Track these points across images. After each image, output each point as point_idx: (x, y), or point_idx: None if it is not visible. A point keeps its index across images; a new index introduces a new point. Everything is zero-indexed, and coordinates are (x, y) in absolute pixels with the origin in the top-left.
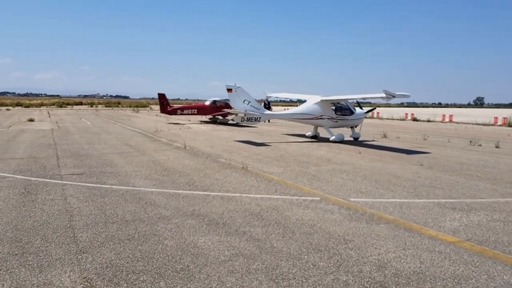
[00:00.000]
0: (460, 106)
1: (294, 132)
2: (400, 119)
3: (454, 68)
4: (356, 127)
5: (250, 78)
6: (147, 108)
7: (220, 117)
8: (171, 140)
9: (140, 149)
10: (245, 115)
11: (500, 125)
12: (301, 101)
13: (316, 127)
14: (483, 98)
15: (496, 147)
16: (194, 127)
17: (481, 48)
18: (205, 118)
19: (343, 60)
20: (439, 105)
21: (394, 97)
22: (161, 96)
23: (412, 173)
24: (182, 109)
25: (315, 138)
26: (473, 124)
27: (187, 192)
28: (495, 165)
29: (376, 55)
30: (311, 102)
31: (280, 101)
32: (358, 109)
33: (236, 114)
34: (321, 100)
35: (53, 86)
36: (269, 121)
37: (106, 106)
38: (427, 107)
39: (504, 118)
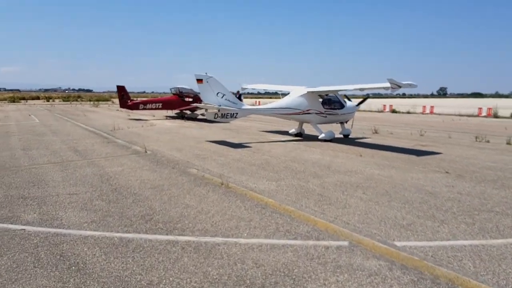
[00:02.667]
0: (425, 96)
1: (273, 129)
2: (378, 111)
3: (416, 58)
4: (346, 122)
5: (222, 71)
6: (109, 102)
7: (188, 112)
8: (130, 141)
9: (88, 156)
10: (219, 110)
11: (485, 116)
12: (282, 94)
13: (301, 123)
14: (446, 88)
15: (508, 143)
16: (159, 124)
17: (443, 39)
18: (172, 113)
19: (314, 52)
20: (403, 95)
21: (400, 87)
22: (120, 89)
23: (445, 186)
24: (145, 103)
25: (300, 135)
26: (456, 115)
27: (142, 236)
28: None
29: (343, 46)
30: (296, 94)
31: (248, 93)
32: (348, 102)
33: (206, 110)
34: (308, 92)
35: (14, 80)
36: None
37: (64, 101)
38: (392, 97)
39: (489, 108)
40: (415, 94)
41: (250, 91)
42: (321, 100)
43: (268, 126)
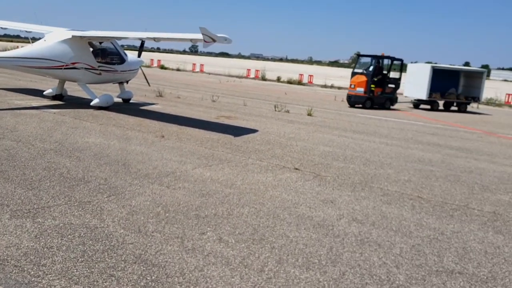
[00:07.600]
0: (179, 52)
1: (14, 85)
2: (145, 66)
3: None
4: (127, 82)
5: None
6: None
7: None
8: None
9: None
10: None
11: (253, 78)
12: (32, 39)
13: (63, 82)
14: (197, 46)
15: (309, 114)
16: None
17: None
18: None
19: None
20: (158, 49)
21: (215, 41)
22: None
23: (321, 202)
24: None
25: (61, 98)
26: (227, 75)
27: None
28: (396, 158)
29: None
30: (55, 39)
31: None
32: (130, 56)
33: None
34: (74, 37)
35: None
36: None
37: None
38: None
39: (257, 71)
40: (169, 50)
41: None
42: (92, 50)
43: (1, 80)
